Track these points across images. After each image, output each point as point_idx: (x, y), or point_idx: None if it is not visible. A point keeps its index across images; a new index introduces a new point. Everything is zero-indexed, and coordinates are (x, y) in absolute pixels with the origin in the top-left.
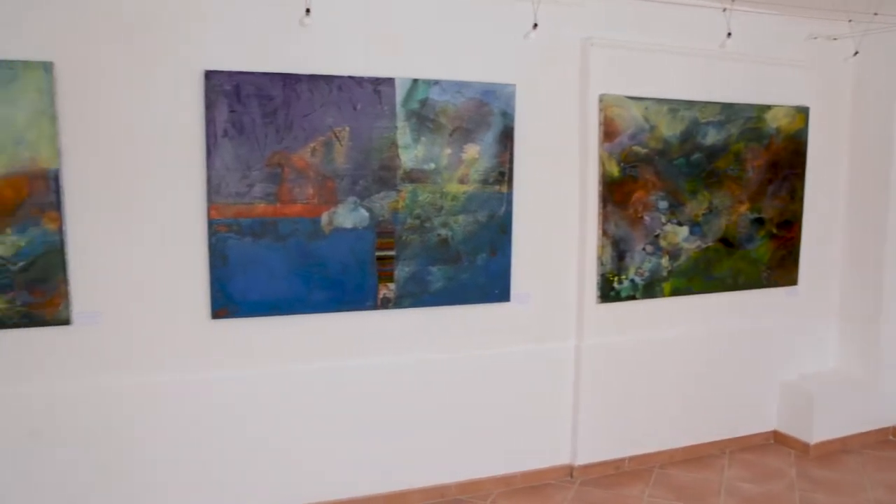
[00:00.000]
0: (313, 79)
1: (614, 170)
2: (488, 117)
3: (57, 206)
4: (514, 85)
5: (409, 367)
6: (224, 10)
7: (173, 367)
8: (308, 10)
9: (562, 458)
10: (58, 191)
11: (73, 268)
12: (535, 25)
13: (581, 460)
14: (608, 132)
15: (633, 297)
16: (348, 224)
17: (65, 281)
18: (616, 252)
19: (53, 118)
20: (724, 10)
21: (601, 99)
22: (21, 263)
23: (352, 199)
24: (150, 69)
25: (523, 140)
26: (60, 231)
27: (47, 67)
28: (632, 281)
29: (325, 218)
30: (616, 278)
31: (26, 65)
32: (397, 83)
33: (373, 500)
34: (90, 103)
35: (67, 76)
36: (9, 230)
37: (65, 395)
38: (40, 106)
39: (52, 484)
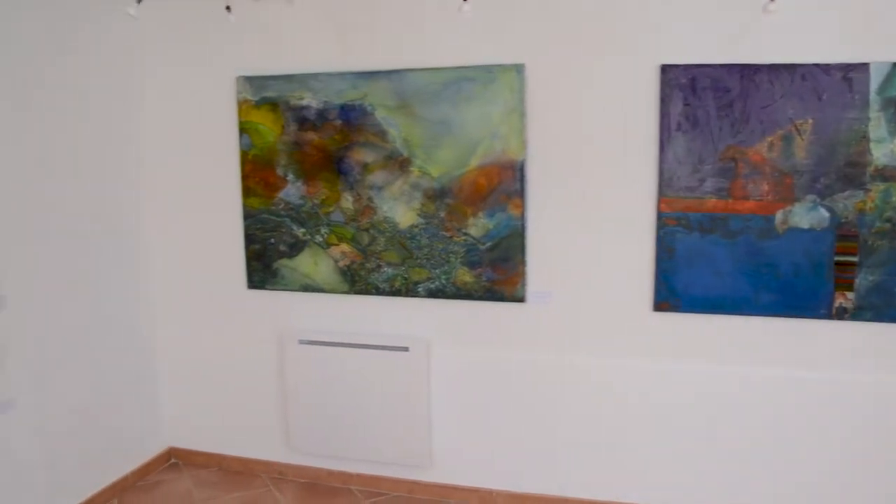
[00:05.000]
0: (773, 68)
1: None
2: None
3: (521, 193)
4: None
5: (859, 387)
6: (681, 3)
7: (613, 353)
8: None
9: None
10: (522, 180)
11: (530, 251)
12: None
13: None
14: None
15: None
16: (805, 224)
17: (523, 262)
18: None
19: (522, 114)
20: None
21: None
22: (488, 244)
23: (811, 197)
24: (608, 66)
25: None
26: (522, 217)
27: (519, 69)
28: None
29: (779, 216)
30: None
31: (502, 68)
32: (872, 69)
33: None
34: (553, 100)
35: (534, 75)
36: (480, 214)
37: (516, 363)
38: (512, 103)
39: (498, 432)
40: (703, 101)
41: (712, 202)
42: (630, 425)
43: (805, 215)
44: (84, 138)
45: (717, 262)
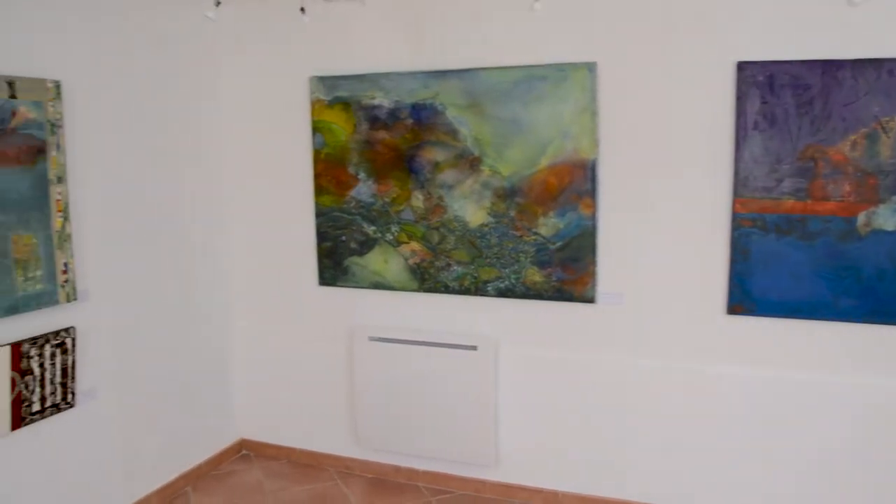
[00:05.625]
0: (858, 64)
1: None
2: None
3: (592, 193)
4: None
5: None
6: None
7: (684, 356)
8: None
9: None
10: (594, 179)
11: (600, 251)
12: None
13: None
14: None
15: None
16: (889, 226)
17: (593, 262)
18: None
19: (594, 113)
20: None
21: None
22: (558, 244)
23: None
24: (681, 64)
25: None
26: (593, 216)
27: (591, 67)
28: None
29: (861, 218)
30: None
31: (574, 66)
32: None
33: None
34: (625, 98)
35: (606, 74)
36: (551, 213)
37: (585, 364)
38: (583, 102)
39: (570, 423)
40: (782, 98)
41: (790, 203)
42: (703, 430)
43: (890, 217)
44: (164, 138)
45: (794, 264)
